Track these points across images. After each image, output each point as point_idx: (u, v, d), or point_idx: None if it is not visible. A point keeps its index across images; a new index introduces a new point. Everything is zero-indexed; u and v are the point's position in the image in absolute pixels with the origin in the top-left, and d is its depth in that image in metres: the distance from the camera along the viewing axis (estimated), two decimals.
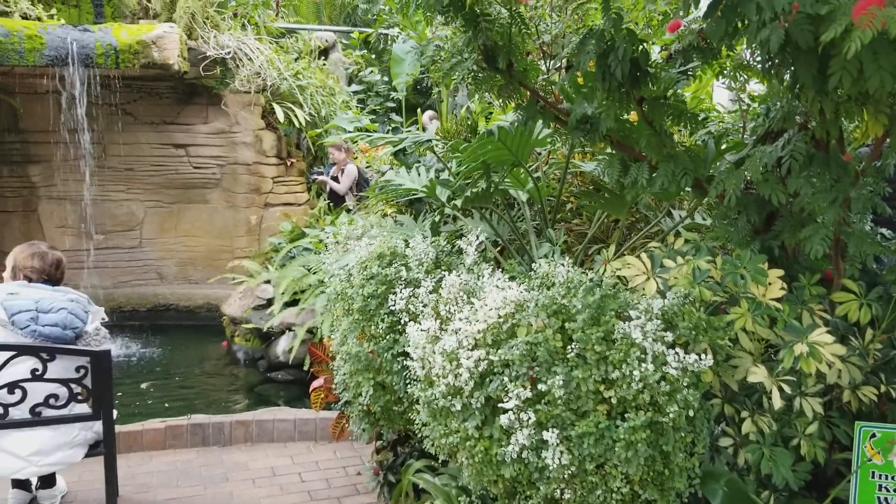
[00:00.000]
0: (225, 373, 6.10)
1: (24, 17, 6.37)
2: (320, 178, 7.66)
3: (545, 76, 3.18)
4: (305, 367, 5.31)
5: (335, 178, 7.73)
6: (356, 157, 8.11)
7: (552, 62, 3.49)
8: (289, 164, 7.94)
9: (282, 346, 5.63)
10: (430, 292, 2.59)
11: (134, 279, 7.84)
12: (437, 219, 3.66)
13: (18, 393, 2.91)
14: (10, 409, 2.91)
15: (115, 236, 7.73)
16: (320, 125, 8.13)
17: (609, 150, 3.02)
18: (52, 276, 3.26)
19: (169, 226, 7.91)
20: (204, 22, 7.22)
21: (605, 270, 2.40)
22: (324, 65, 9.23)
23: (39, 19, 6.43)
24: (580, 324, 2.02)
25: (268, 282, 6.15)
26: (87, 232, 7.45)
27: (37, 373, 2.92)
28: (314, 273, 5.75)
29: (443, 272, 2.79)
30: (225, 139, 7.64)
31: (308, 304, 5.57)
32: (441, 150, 4.15)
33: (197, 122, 7.62)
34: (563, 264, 2.32)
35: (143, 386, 5.63)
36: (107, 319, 3.31)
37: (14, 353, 2.88)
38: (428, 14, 2.94)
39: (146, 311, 7.41)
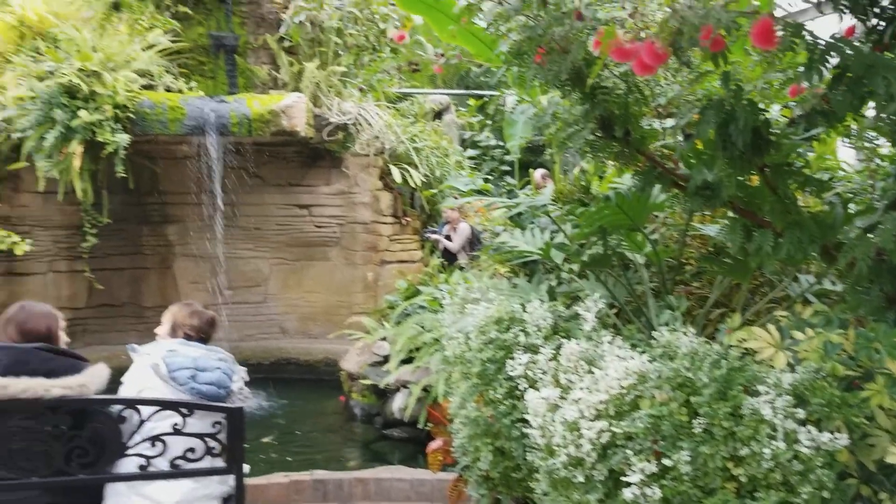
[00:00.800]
0: (342, 428, 6.26)
1: (168, 89, 6.94)
2: (434, 236, 7.85)
3: (662, 142, 3.19)
4: (420, 426, 5.38)
5: (448, 237, 7.90)
6: (469, 216, 8.26)
7: (666, 123, 3.49)
8: (404, 222, 8.18)
9: (397, 403, 5.73)
10: (550, 359, 2.61)
11: (259, 333, 8.20)
12: (553, 283, 3.69)
13: (160, 446, 3.09)
14: (152, 460, 3.10)
15: (242, 292, 8.13)
16: (434, 185, 8.36)
17: (731, 215, 2.98)
18: (208, 334, 3.51)
19: (292, 282, 8.26)
20: (328, 90, 7.63)
21: (730, 340, 2.36)
22: (438, 126, 9.53)
23: (181, 91, 6.98)
24: (706, 398, 1.99)
25: (384, 339, 6.30)
26: (218, 288, 7.88)
27: (177, 427, 3.10)
28: (429, 331, 5.85)
29: (561, 338, 2.81)
30: (345, 199, 7.97)
31: (423, 362, 5.67)
32: (556, 213, 4.20)
33: (320, 183, 8.00)
34: (686, 334, 2.30)
35: (266, 440, 5.84)
36: (248, 379, 3.50)
37: (158, 408, 3.08)
38: (544, 86, 3.03)
39: (269, 365, 7.71)
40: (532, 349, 2.77)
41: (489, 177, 10.87)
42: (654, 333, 2.40)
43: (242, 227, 8.04)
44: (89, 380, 3.06)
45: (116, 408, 3.05)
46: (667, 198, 3.21)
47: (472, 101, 12.36)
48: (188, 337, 3.48)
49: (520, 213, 4.36)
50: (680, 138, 2.93)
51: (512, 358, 2.74)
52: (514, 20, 2.69)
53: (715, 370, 2.03)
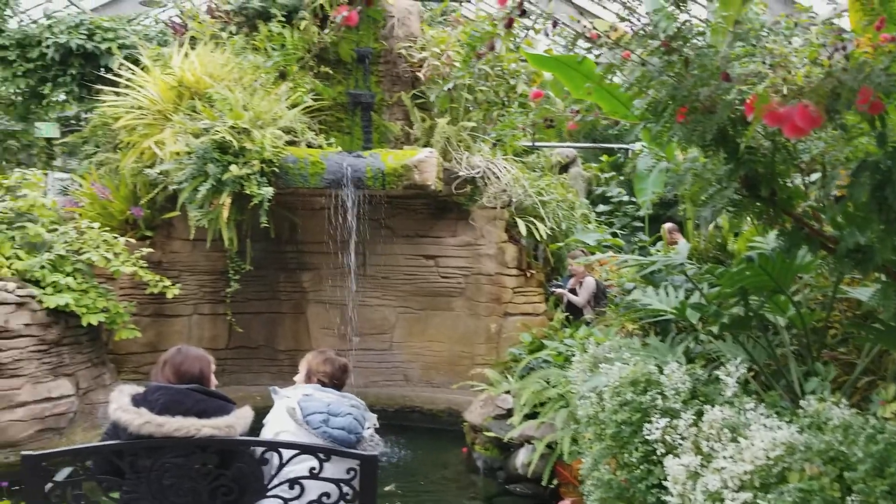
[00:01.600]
0: (465, 480, 6.25)
1: (309, 145, 7.33)
2: (559, 290, 7.81)
3: (808, 203, 3.08)
4: (544, 483, 5.30)
5: (573, 291, 7.84)
6: (594, 270, 8.18)
7: (810, 178, 3.37)
8: (528, 275, 8.18)
9: (521, 458, 5.67)
10: (690, 425, 2.54)
11: (383, 380, 8.36)
12: (690, 344, 3.60)
13: (297, 489, 3.21)
14: (289, 503, 3.22)
15: (369, 339, 8.34)
16: (560, 238, 8.34)
17: (884, 280, 2.84)
18: (341, 380, 3.67)
19: (416, 331, 8.41)
20: (458, 144, 7.83)
21: (884, 413, 2.24)
22: (564, 179, 9.55)
23: (321, 147, 7.35)
24: (862, 474, 1.89)
25: (508, 392, 6.28)
26: (347, 334, 8.13)
27: (314, 471, 3.22)
28: (554, 387, 5.79)
29: (700, 403, 2.73)
30: (470, 251, 8.08)
31: (548, 418, 5.60)
32: (691, 271, 4.11)
33: (446, 235, 8.15)
34: (837, 404, 2.20)
35: (388, 488, 5.91)
36: (378, 426, 3.60)
37: (297, 451, 3.20)
38: (683, 144, 3.01)
39: (393, 412, 7.83)
40: (670, 413, 2.71)
41: (621, 232, 10.76)
42: (801, 402, 2.30)
43: (371, 275, 8.28)
44: (236, 421, 3.23)
45: (259, 449, 3.21)
46: (813, 260, 3.09)
47: (605, 157, 12.38)
48: (322, 383, 3.65)
49: (653, 270, 4.30)
50: (829, 196, 2.84)
51: (649, 421, 2.69)
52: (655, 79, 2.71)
53: (871, 445, 1.93)
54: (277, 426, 3.45)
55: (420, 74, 8.00)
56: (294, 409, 3.39)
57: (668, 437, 2.59)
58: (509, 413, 6.05)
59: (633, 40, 2.92)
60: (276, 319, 8.47)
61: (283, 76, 7.62)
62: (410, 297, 8.35)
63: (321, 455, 3.23)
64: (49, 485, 3.12)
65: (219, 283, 8.00)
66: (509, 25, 2.99)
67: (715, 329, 3.49)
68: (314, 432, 3.30)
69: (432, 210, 8.13)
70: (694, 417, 2.58)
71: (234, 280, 7.43)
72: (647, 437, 2.68)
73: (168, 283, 6.88)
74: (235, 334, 8.04)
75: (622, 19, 2.94)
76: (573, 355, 5.95)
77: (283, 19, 7.79)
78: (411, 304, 8.38)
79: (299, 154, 6.99)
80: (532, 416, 5.81)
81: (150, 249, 7.13)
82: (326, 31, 7.75)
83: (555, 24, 3.84)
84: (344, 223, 7.44)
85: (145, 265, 6.76)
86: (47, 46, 9.58)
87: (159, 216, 7.74)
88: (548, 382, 5.92)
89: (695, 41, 2.84)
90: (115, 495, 3.25)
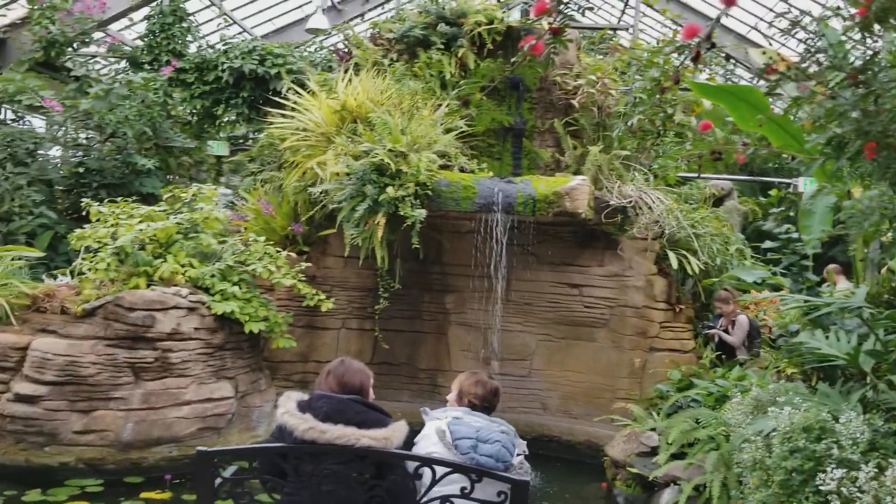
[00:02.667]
0: None
1: (462, 169, 7.48)
2: (711, 331, 7.52)
3: None
4: None
5: (726, 330, 7.53)
6: (748, 308, 7.83)
7: None
8: (677, 310, 7.93)
9: (665, 498, 5.48)
10: (871, 478, 2.38)
11: (520, 407, 8.32)
12: (868, 393, 3.37)
13: None
14: None
15: (508, 364, 8.34)
16: (713, 274, 8.05)
17: None
18: (491, 403, 3.69)
19: (556, 360, 8.32)
20: (609, 173, 7.75)
21: None
22: (718, 212, 9.23)
23: (473, 172, 7.48)
24: None
25: (653, 429, 6.10)
26: (487, 358, 8.17)
27: (465, 491, 3.25)
28: (704, 428, 5.57)
29: (880, 455, 2.56)
30: (616, 282, 7.94)
31: (696, 459, 5.38)
32: (867, 315, 3.86)
33: (592, 264, 8.05)
34: None
35: None
36: (527, 452, 3.59)
37: (450, 469, 3.25)
38: (867, 179, 2.85)
39: (530, 440, 7.71)
40: (847, 464, 2.55)
41: (787, 271, 10.24)
42: None
43: (514, 301, 8.29)
44: (392, 434, 3.33)
45: (413, 464, 3.28)
46: None
47: (774, 192, 11.86)
48: (473, 406, 3.68)
49: (824, 313, 4.07)
50: None
51: (822, 470, 2.54)
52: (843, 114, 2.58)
53: None
54: (427, 447, 3.51)
55: (574, 102, 8.00)
56: (444, 432, 3.44)
57: (844, 489, 2.44)
58: (654, 451, 5.87)
59: (816, 73, 2.81)
60: (419, 338, 8.63)
61: (444, 84, 7.78)
62: (552, 325, 8.29)
63: (473, 476, 3.26)
64: (218, 480, 3.33)
65: (367, 299, 8.27)
66: (696, 59, 2.92)
67: (894, 378, 3.26)
68: (463, 458, 3.34)
69: (579, 238, 8.06)
70: (875, 471, 2.42)
71: (383, 298, 7.65)
72: (819, 487, 2.53)
73: (323, 296, 7.18)
74: (380, 350, 8.26)
75: (808, 52, 2.83)
76: (726, 396, 5.72)
77: (441, 46, 8.03)
78: (552, 333, 8.31)
79: (452, 178, 7.15)
80: (679, 456, 5.60)
81: (308, 264, 7.47)
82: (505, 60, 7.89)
83: (728, 58, 3.75)
84: (491, 247, 7.52)
85: (303, 279, 7.09)
86: (223, 70, 10.31)
87: (316, 233, 8.11)
88: (697, 422, 5.71)
89: (883, 74, 2.70)
90: (277, 496, 3.42)
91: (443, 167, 7.33)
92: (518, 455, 3.54)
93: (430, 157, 7.04)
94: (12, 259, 6.69)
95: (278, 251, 7.06)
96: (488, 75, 7.90)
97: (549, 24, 3.15)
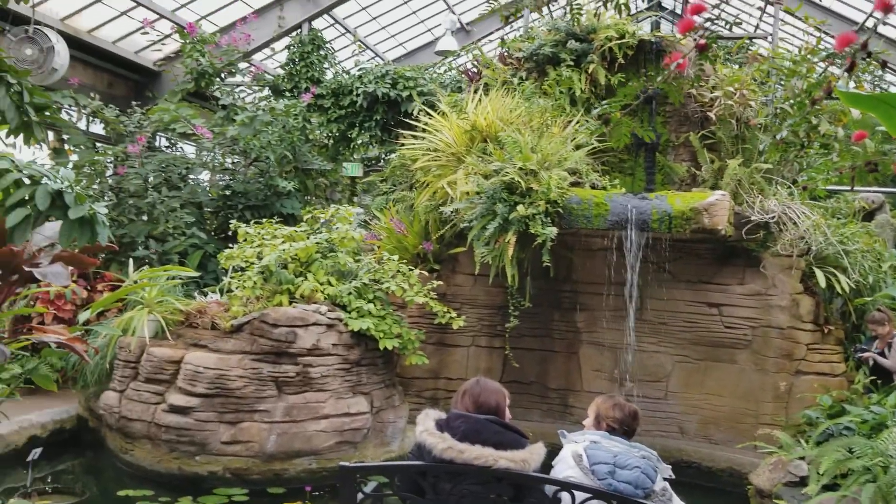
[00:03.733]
0: None
1: (593, 186, 7.38)
2: (865, 354, 7.03)
3: None
4: None
5: (881, 353, 7.02)
6: None
7: None
8: (826, 331, 7.47)
9: None
10: None
11: (655, 430, 8.06)
12: None
13: None
14: None
15: (642, 385, 8.12)
16: (865, 293, 7.53)
17: None
18: (630, 427, 3.59)
19: (694, 382, 8.02)
20: (749, 187, 7.42)
21: None
22: (869, 227, 8.64)
23: (605, 188, 7.37)
24: None
25: (802, 458, 5.76)
26: (621, 379, 7.99)
27: None
28: (859, 458, 5.21)
29: None
30: (759, 301, 7.57)
31: (851, 491, 5.04)
32: None
33: (732, 282, 7.73)
34: None
35: None
36: (672, 476, 3.47)
37: (590, 496, 3.19)
38: None
39: (668, 465, 7.52)
40: None
41: None
42: None
43: (648, 320, 8.07)
44: (530, 456, 3.30)
45: (551, 488, 3.24)
46: None
47: None
48: (611, 430, 3.59)
49: None
50: None
51: None
52: None
53: None
54: (564, 470, 3.45)
55: (711, 114, 7.73)
56: (580, 456, 3.37)
57: None
58: (803, 481, 5.55)
59: None
60: (549, 357, 8.55)
61: (573, 102, 7.73)
62: (689, 345, 8.00)
63: (614, 502, 3.19)
64: (360, 495, 3.41)
65: (496, 317, 8.29)
66: (851, 69, 2.76)
67: None
68: (600, 483, 3.26)
69: (718, 255, 7.76)
70: None
71: (513, 316, 7.64)
72: None
73: (454, 314, 7.26)
74: (510, 368, 8.25)
75: None
76: (883, 424, 5.33)
77: (571, 63, 7.98)
78: (690, 353, 8.02)
79: (583, 195, 7.07)
80: (831, 487, 5.27)
81: (439, 282, 7.58)
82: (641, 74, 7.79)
83: (884, 65, 3.53)
84: (623, 265, 7.37)
85: (434, 296, 7.19)
86: (357, 95, 10.69)
87: (446, 251, 8.22)
88: (850, 452, 5.35)
89: None
90: None
91: (574, 184, 7.26)
92: (659, 481, 3.42)
93: (561, 174, 6.99)
94: (168, 278, 7.16)
95: (410, 269, 7.21)
96: (629, 93, 7.79)
97: (695, 40, 3.06)
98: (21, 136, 3.95)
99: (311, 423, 6.34)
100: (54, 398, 7.58)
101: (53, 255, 4.05)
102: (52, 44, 8.98)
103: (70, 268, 4.00)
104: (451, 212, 7.46)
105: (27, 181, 3.24)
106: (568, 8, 8.16)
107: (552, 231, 6.72)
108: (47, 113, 3.98)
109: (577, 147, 7.55)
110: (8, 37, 8.85)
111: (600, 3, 8.42)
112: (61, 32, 9.41)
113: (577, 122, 7.74)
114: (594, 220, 6.95)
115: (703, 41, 3.30)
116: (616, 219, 6.91)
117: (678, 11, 13.33)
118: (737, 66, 9.12)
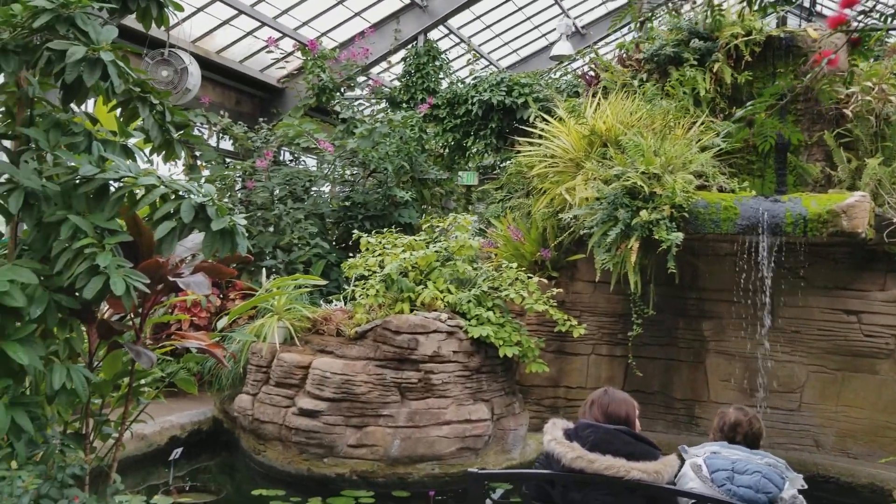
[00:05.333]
0: None
1: (721, 189, 7.12)
2: None
3: None
4: None
5: None
6: None
7: None
8: None
9: None
10: None
11: (788, 443, 7.68)
12: None
13: None
14: None
15: (774, 397, 7.75)
16: None
17: None
18: (752, 435, 3.50)
19: (830, 393, 7.59)
20: (891, 187, 6.96)
21: None
22: None
23: (733, 191, 7.10)
24: None
25: None
26: (751, 389, 7.66)
27: None
28: None
29: None
30: None
31: None
32: None
33: (873, 288, 7.27)
34: None
35: None
36: (805, 486, 3.32)
37: None
38: None
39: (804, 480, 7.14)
40: None
41: None
42: None
43: (779, 328, 7.70)
44: (663, 468, 3.22)
45: (685, 501, 3.15)
46: None
47: None
48: (730, 439, 3.53)
49: None
50: None
51: None
52: None
53: None
54: (687, 483, 3.37)
55: (847, 111, 7.31)
56: (699, 467, 3.30)
57: None
58: None
59: None
60: (673, 367, 8.30)
61: (694, 106, 7.51)
62: (825, 354, 7.57)
63: None
64: (488, 502, 3.42)
65: (617, 325, 8.12)
66: None
67: None
68: (719, 490, 3.17)
69: (857, 260, 7.31)
70: None
71: (636, 324, 7.47)
72: None
73: (574, 322, 7.17)
74: (632, 378, 8.06)
75: None
76: None
77: (695, 63, 7.75)
78: (825, 363, 7.60)
79: (710, 199, 6.83)
80: None
81: (558, 290, 7.50)
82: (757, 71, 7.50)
83: None
84: (753, 271, 7.06)
85: (554, 304, 7.13)
86: (472, 104, 10.75)
87: (565, 258, 8.14)
88: None
89: None
90: None
91: (700, 188, 7.04)
92: (791, 490, 3.28)
93: (686, 177, 6.79)
94: (296, 286, 7.43)
95: (529, 277, 7.17)
96: (775, 93, 7.46)
97: (848, 35, 2.91)
98: (163, 153, 4.18)
99: (433, 429, 6.41)
100: (192, 401, 8.01)
101: (194, 265, 4.29)
102: (185, 65, 9.51)
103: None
104: (571, 218, 7.38)
105: (173, 196, 3.43)
106: (705, 7, 7.90)
107: (678, 236, 6.53)
108: (185, 131, 4.21)
109: (703, 149, 7.31)
110: (146, 60, 9.44)
111: (736, 1, 8.12)
112: (193, 54, 9.96)
113: (702, 124, 7.49)
114: (723, 224, 6.71)
115: (856, 36, 3.12)
116: (746, 223, 6.64)
117: (806, 5, 12.68)
118: (874, 60, 8.59)
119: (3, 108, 3.67)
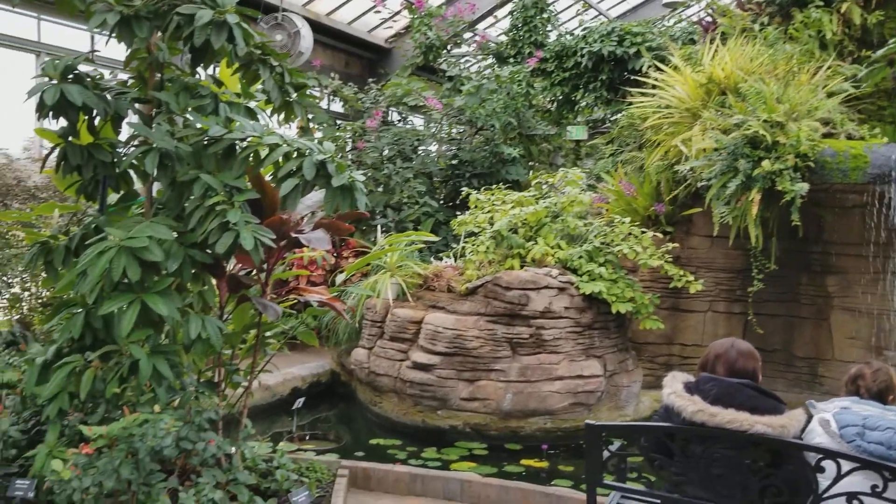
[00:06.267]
0: None
1: (849, 137, 6.72)
2: None
3: None
4: None
5: None
6: None
7: None
8: None
9: None
10: None
11: None
12: None
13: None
14: None
15: None
16: None
17: None
18: (883, 390, 3.34)
19: None
20: None
21: None
22: None
23: (862, 139, 6.69)
24: None
25: None
26: (879, 347, 7.28)
27: (876, 489, 2.93)
28: None
29: None
30: None
31: None
32: None
33: None
34: None
35: None
36: None
37: (858, 465, 2.95)
38: None
39: None
40: None
41: None
42: None
43: None
44: (789, 422, 3.13)
45: (813, 456, 3.04)
46: None
47: None
48: (862, 395, 3.37)
49: None
50: None
51: None
52: None
53: None
54: (814, 439, 3.25)
55: None
56: (828, 422, 3.17)
57: None
58: None
59: None
60: (795, 324, 7.98)
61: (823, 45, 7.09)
62: None
63: (886, 473, 2.93)
64: (606, 453, 3.42)
65: (735, 281, 7.87)
66: None
67: None
68: (848, 446, 3.04)
69: None
70: None
71: (757, 279, 7.21)
72: None
73: (691, 277, 6.99)
74: (751, 335, 7.79)
75: None
76: None
77: (821, 4, 7.28)
78: None
79: (838, 147, 6.46)
80: None
81: (675, 245, 7.32)
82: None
83: None
84: (884, 223, 6.66)
85: (670, 259, 6.97)
86: (581, 56, 10.53)
87: (680, 213, 7.92)
88: None
89: None
90: (664, 475, 3.42)
91: (826, 136, 6.66)
92: None
93: (812, 125, 6.44)
94: (408, 244, 7.56)
95: (643, 231, 7.03)
96: (873, 31, 6.99)
97: None
98: (282, 115, 4.32)
99: (545, 384, 6.44)
100: (311, 354, 8.36)
101: (315, 222, 4.44)
102: (297, 28, 9.73)
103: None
104: (687, 170, 7.15)
105: (295, 154, 3.55)
106: None
107: (802, 187, 6.21)
108: (302, 91, 4.32)
109: (830, 95, 6.90)
110: (261, 24, 9.71)
111: None
112: (304, 17, 10.17)
113: (829, 68, 7.06)
114: (851, 174, 6.34)
115: None
116: (878, 171, 6.26)
117: None
118: None
119: (135, 74, 3.88)
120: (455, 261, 7.57)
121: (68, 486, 3.25)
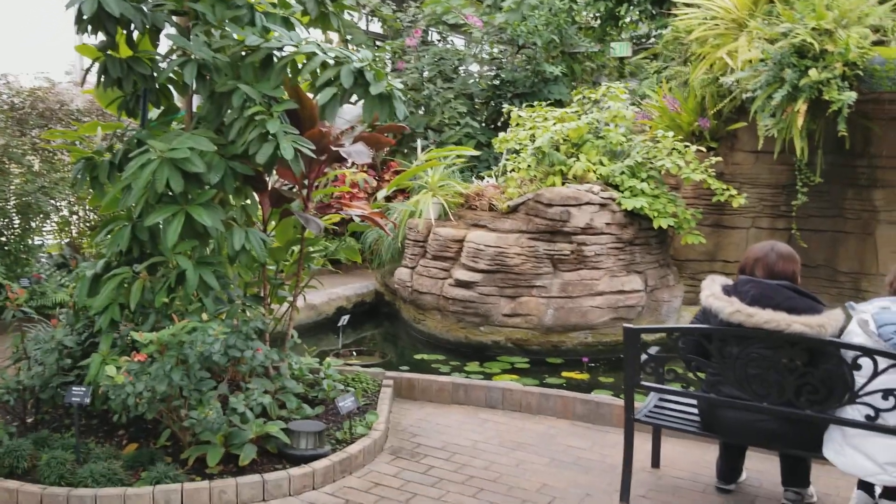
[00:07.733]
0: None
1: None
2: None
3: None
4: None
5: None
6: None
7: None
8: None
9: None
10: None
11: None
12: None
13: (892, 400, 2.99)
14: (881, 413, 3.02)
15: None
16: None
17: None
18: None
19: None
20: None
21: None
22: None
23: None
24: None
25: None
26: None
27: None
28: None
29: None
30: None
31: None
32: None
33: None
34: None
35: None
36: None
37: (895, 362, 2.97)
38: None
39: None
40: None
41: None
42: None
43: None
44: (827, 321, 3.15)
45: (851, 354, 3.06)
46: None
47: None
48: (894, 293, 3.35)
49: None
50: None
51: None
52: None
53: None
54: (852, 339, 3.26)
55: None
56: (866, 322, 3.17)
57: None
58: None
59: None
60: (839, 238, 7.85)
61: None
62: None
63: None
64: (644, 356, 3.49)
65: (779, 196, 7.74)
66: None
67: None
68: (886, 345, 3.04)
69: None
70: None
71: (801, 193, 7.09)
72: None
73: (734, 192, 6.91)
74: (795, 250, 7.69)
75: None
76: None
77: None
78: None
79: (889, 54, 6.22)
80: None
81: (718, 158, 7.20)
82: None
83: None
84: None
85: (713, 174, 6.88)
86: None
87: (724, 128, 7.76)
88: None
89: None
90: (702, 375, 3.48)
91: (876, 43, 6.41)
92: None
93: (862, 31, 6.19)
94: (446, 166, 7.58)
95: (686, 146, 6.92)
96: None
97: None
98: (318, 27, 4.32)
99: (586, 300, 6.50)
100: (354, 276, 8.53)
101: (355, 135, 4.48)
102: None
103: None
104: (732, 83, 6.97)
105: (332, 62, 3.57)
106: None
107: (850, 96, 6.03)
108: (336, 4, 4.31)
109: (881, 1, 6.60)
110: None
111: None
112: None
113: None
114: None
115: None
116: None
117: None
118: None
119: None
120: (496, 180, 7.57)
121: (122, 391, 3.40)
